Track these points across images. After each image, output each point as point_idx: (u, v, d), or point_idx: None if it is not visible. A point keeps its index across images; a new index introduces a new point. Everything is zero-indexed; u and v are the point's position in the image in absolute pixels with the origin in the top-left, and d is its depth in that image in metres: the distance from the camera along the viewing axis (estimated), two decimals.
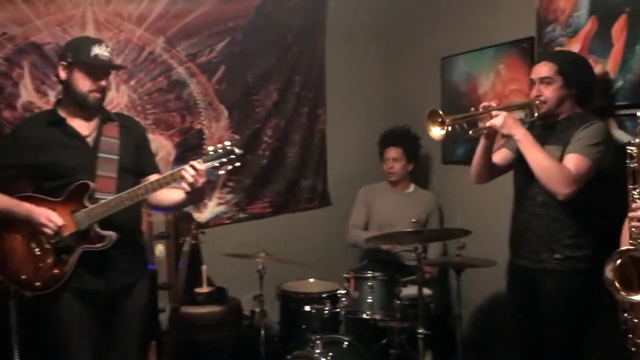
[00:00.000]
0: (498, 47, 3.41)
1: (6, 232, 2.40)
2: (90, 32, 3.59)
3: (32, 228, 2.34)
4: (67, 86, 2.42)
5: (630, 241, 1.94)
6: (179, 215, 3.58)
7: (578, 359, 2.52)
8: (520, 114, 2.70)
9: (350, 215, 3.97)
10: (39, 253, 2.36)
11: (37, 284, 2.35)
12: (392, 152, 3.91)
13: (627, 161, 1.97)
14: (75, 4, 3.60)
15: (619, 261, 1.88)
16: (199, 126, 3.97)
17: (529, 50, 3.15)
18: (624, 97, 2.58)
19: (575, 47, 2.80)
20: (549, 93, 2.52)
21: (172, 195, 2.51)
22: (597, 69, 2.64)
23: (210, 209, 4.03)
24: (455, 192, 3.84)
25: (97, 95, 2.42)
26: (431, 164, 4.15)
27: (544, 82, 2.53)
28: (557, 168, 2.39)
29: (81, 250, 2.34)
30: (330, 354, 2.90)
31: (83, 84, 2.38)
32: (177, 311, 3.29)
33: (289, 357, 3.01)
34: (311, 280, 3.63)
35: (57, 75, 2.44)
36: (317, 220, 4.29)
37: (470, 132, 2.60)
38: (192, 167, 2.30)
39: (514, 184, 2.72)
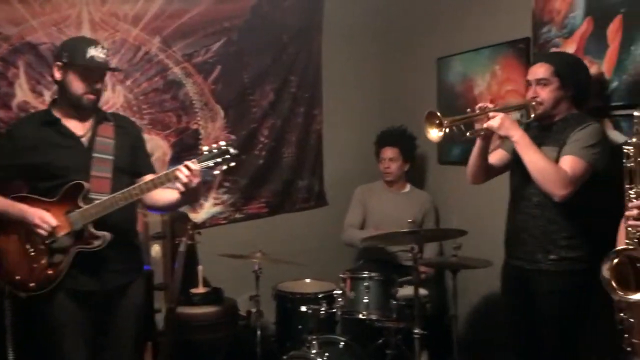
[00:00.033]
0: (494, 48, 3.41)
1: (0, 233, 2.39)
2: (86, 32, 3.57)
3: (26, 229, 2.34)
4: (62, 87, 2.41)
5: (627, 240, 1.94)
6: (175, 215, 3.58)
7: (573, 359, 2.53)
8: (517, 115, 2.70)
9: (346, 214, 3.97)
10: (33, 254, 2.35)
11: (32, 284, 2.35)
12: (389, 152, 3.91)
13: (624, 161, 1.97)
14: (71, 4, 3.59)
15: (615, 260, 1.87)
16: (195, 126, 3.96)
17: (525, 51, 3.15)
18: (620, 98, 2.59)
19: (570, 47, 2.80)
20: (545, 94, 2.52)
21: (167, 195, 2.50)
22: (593, 70, 2.64)
23: (207, 209, 4.02)
24: (451, 192, 3.84)
25: (92, 97, 2.42)
26: (427, 164, 4.15)
27: (541, 83, 2.53)
28: (554, 169, 2.39)
29: (75, 250, 2.34)
30: (327, 354, 2.90)
31: (78, 85, 2.38)
32: (173, 311, 3.28)
33: (285, 357, 3.00)
34: (307, 280, 3.63)
35: (53, 76, 2.43)
36: (313, 221, 4.29)
37: (468, 134, 2.59)
38: (187, 167, 2.30)
39: (510, 185, 2.72)
